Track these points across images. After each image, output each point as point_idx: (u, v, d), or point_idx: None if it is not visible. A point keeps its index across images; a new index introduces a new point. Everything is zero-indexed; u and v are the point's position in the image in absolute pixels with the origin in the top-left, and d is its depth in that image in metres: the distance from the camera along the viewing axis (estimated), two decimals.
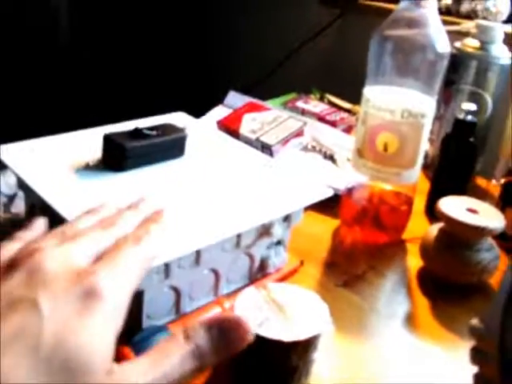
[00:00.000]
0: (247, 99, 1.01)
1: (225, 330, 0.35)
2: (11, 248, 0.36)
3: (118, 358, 0.47)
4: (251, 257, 0.60)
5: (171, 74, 1.99)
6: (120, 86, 1.98)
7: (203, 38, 1.99)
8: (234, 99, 1.06)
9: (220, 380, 0.50)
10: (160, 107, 0.85)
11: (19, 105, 1.85)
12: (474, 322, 0.41)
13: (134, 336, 0.49)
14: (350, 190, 0.76)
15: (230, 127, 0.89)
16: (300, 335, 0.47)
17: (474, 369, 0.41)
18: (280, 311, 0.50)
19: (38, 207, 0.59)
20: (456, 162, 0.81)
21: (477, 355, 0.40)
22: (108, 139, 0.59)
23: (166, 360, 0.33)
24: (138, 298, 0.50)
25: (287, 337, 0.47)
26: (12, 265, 0.34)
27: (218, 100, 1.07)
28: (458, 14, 1.19)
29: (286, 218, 0.61)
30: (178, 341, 0.34)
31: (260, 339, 0.47)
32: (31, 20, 1.93)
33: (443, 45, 0.67)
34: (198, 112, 0.95)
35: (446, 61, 0.68)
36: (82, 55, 1.97)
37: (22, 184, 0.61)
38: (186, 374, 0.33)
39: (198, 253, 0.52)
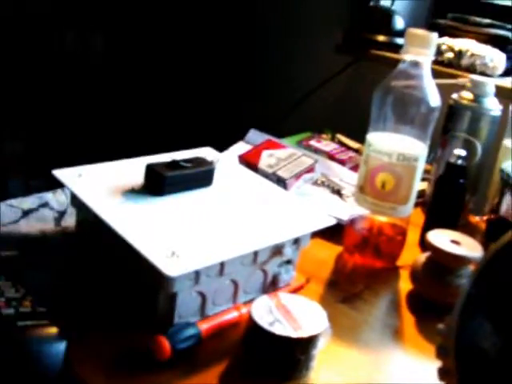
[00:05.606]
0: (266, 137, 1.13)
1: None
2: None
3: (156, 345, 0.58)
4: (265, 272, 0.71)
5: (199, 112, 2.13)
6: (146, 122, 2.13)
7: (226, 82, 2.12)
8: (254, 136, 1.18)
9: (235, 370, 0.61)
10: (187, 142, 0.97)
11: (46, 134, 2.00)
12: (440, 324, 0.52)
13: (168, 329, 0.60)
14: (352, 221, 0.87)
15: (250, 161, 1.01)
16: (303, 333, 0.58)
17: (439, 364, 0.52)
18: (287, 314, 0.61)
19: (89, 223, 0.71)
20: (447, 200, 0.92)
21: (440, 351, 0.51)
22: (150, 168, 0.72)
23: None
24: (172, 300, 0.62)
25: (293, 334, 0.58)
26: None
27: (240, 137, 1.19)
28: (459, 67, 1.31)
29: (296, 241, 0.72)
30: None
31: (271, 336, 0.58)
32: (67, 45, 2.08)
33: (435, 100, 0.79)
34: (220, 147, 1.08)
35: (438, 113, 0.80)
36: (114, 91, 2.12)
37: (75, 202, 0.74)
38: None
39: (223, 265, 0.64)
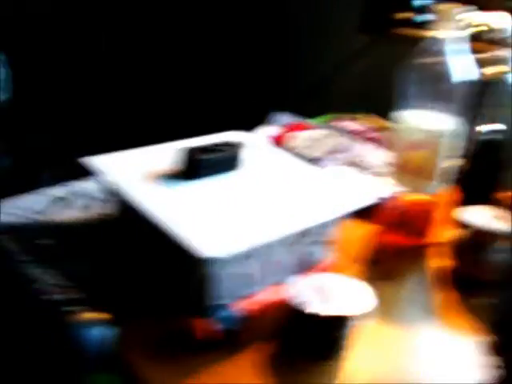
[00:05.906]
0: (294, 118, 1.13)
1: None
2: None
3: (197, 327, 0.59)
4: (301, 252, 0.72)
5: (229, 95, 2.14)
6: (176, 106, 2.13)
7: (252, 65, 2.12)
8: (282, 118, 1.18)
9: (275, 350, 0.62)
10: (213, 126, 0.97)
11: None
12: (486, 300, 0.52)
13: (206, 311, 0.61)
14: (384, 200, 0.87)
15: (279, 143, 1.01)
16: (337, 312, 0.59)
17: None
18: (323, 294, 0.61)
19: (125, 209, 0.72)
20: (481, 176, 0.91)
21: (487, 326, 0.51)
22: (185, 152, 0.72)
23: None
24: (211, 281, 0.62)
25: (327, 313, 0.58)
26: None
27: (268, 119, 1.19)
28: (488, 42, 1.29)
29: (332, 221, 0.72)
30: None
31: (305, 315, 0.58)
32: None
33: (462, 75, 0.78)
34: (249, 129, 1.08)
35: (466, 88, 0.79)
36: (142, 76, 2.12)
37: (109, 188, 0.74)
38: None
39: (261, 246, 0.64)
